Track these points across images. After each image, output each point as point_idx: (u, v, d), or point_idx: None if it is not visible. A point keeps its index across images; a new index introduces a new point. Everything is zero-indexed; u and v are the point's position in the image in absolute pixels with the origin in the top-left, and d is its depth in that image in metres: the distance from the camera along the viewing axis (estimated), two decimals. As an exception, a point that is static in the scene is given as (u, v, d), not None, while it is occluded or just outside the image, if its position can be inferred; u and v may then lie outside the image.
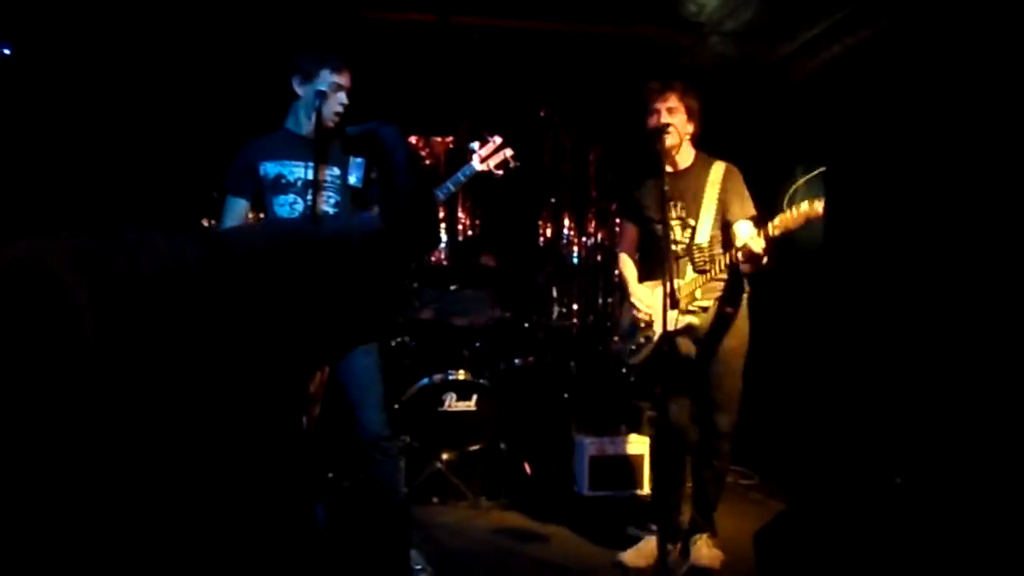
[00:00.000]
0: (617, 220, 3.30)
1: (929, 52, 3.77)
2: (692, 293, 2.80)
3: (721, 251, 2.87)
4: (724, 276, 2.84)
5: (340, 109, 2.66)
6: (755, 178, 5.13)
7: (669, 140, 2.77)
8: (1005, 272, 3.31)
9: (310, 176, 2.65)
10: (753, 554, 2.93)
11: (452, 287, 4.58)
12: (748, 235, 2.65)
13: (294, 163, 2.67)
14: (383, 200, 1.15)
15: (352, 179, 0.87)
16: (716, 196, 2.91)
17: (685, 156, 2.93)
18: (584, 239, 5.79)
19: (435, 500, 3.81)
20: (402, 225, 1.07)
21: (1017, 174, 3.29)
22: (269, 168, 2.68)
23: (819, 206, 2.59)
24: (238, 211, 2.72)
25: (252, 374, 0.95)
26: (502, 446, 3.93)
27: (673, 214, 2.89)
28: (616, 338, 3.17)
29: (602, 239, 5.82)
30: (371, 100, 5.10)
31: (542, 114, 5.65)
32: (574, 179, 5.75)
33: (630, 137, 5.69)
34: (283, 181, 2.67)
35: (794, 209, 2.59)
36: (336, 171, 2.70)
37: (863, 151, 4.08)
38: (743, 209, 2.96)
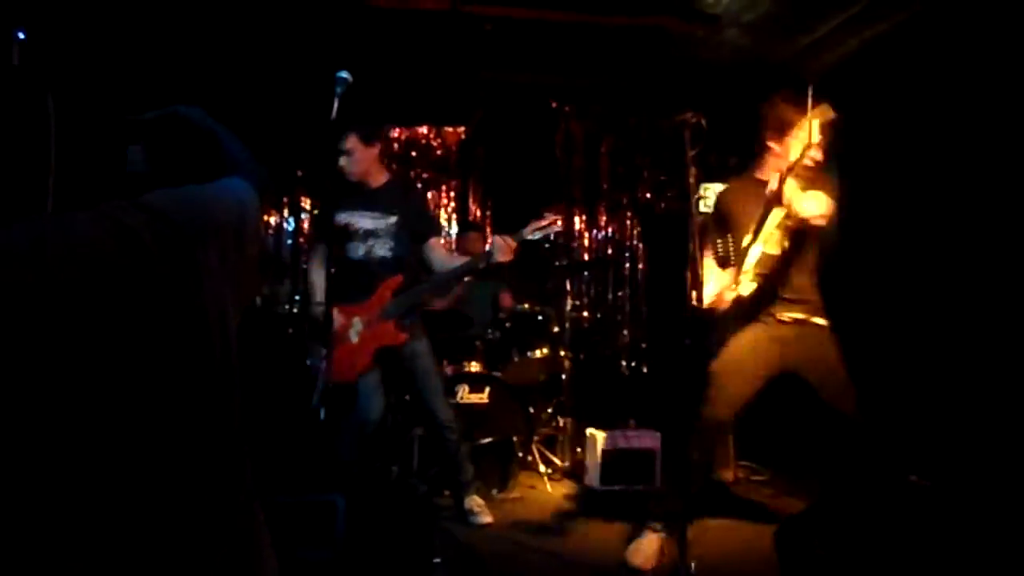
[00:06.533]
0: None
1: (947, 45, 3.74)
2: None
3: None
4: None
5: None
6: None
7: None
8: (1010, 263, 3.30)
9: (372, 225, 3.36)
10: (771, 550, 2.92)
11: (465, 279, 4.55)
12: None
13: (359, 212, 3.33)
14: (230, 172, 1.11)
15: (134, 166, 0.85)
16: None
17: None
18: (595, 232, 5.77)
19: (447, 492, 3.79)
20: (265, 190, 1.12)
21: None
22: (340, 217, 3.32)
23: (827, 108, 2.50)
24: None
25: (205, 359, 0.90)
26: (514, 439, 3.91)
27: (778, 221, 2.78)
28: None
29: (613, 232, 5.79)
30: (383, 89, 5.09)
31: (553, 105, 5.62)
32: (585, 172, 5.72)
33: (642, 130, 5.70)
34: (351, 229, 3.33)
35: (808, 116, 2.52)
36: (392, 219, 3.33)
37: (880, 146, 4.05)
38: None
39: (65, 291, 0.78)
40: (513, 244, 3.17)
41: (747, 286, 2.84)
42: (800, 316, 2.90)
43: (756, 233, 2.79)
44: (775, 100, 2.88)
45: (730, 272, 2.92)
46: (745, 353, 2.89)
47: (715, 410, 2.86)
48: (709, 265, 2.95)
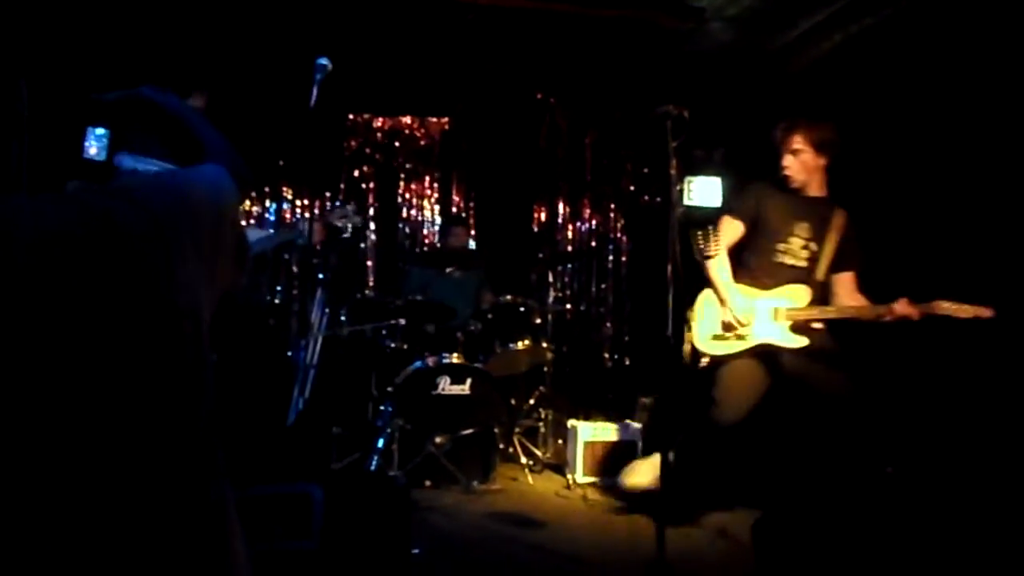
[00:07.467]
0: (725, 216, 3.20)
1: (932, 40, 3.76)
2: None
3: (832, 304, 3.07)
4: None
5: None
6: (753, 166, 5.10)
7: (793, 181, 3.06)
8: (1000, 264, 3.33)
9: None
10: (751, 543, 2.93)
11: (447, 270, 4.53)
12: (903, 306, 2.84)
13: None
14: (206, 159, 1.09)
15: (92, 150, 0.80)
16: (836, 239, 3.06)
17: (816, 187, 3.11)
18: (579, 224, 5.77)
19: (428, 484, 3.79)
20: (245, 181, 1.11)
21: (1016, 165, 3.29)
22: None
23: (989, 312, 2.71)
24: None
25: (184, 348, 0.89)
26: (495, 430, 3.91)
27: (800, 234, 3.07)
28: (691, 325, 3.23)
29: (597, 224, 5.79)
30: (367, 78, 5.05)
31: (538, 96, 5.59)
32: (569, 164, 5.71)
33: (626, 122, 5.69)
34: None
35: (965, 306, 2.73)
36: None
37: (862, 140, 4.06)
38: (855, 261, 3.14)
39: (30, 275, 0.76)
40: (322, 227, 3.31)
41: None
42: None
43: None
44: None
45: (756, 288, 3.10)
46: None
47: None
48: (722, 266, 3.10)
